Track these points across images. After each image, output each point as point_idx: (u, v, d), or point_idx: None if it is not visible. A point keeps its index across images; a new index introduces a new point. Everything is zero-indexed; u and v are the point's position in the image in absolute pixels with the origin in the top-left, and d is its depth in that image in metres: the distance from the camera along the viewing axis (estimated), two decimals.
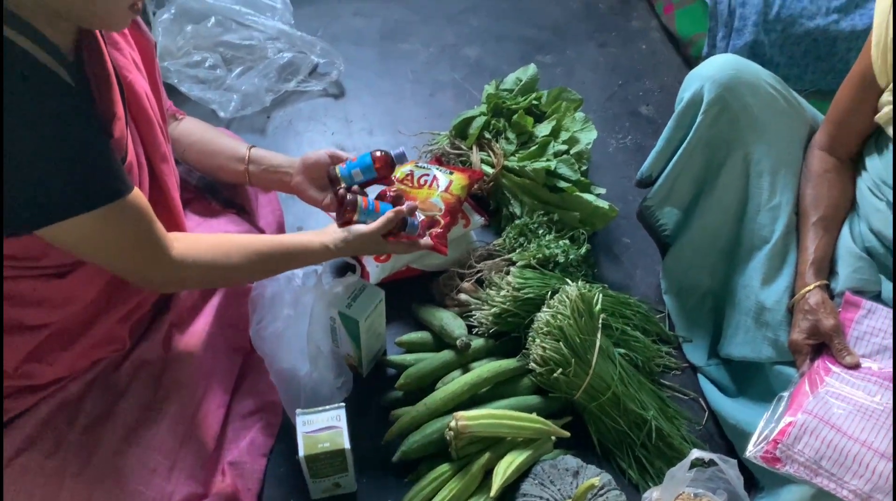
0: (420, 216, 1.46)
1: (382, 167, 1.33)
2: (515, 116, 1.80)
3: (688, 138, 1.40)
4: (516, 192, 1.72)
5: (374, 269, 1.54)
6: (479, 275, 1.57)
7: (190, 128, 1.35)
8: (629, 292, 1.67)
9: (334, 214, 1.32)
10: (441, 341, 1.48)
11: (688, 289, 1.58)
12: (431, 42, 2.37)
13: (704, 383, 1.52)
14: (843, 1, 1.87)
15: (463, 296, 1.54)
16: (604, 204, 1.67)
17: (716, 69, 1.36)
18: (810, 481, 1.09)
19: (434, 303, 1.57)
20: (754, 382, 1.43)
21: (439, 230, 1.53)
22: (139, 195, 0.98)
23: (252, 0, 2.19)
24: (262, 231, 1.45)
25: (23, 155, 0.82)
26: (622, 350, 1.48)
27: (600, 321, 1.41)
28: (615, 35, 2.46)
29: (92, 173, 0.90)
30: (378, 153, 1.33)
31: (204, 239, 1.13)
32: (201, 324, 1.29)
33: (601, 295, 1.46)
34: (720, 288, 1.51)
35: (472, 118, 1.85)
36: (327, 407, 1.20)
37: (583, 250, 1.61)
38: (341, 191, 1.30)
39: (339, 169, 1.33)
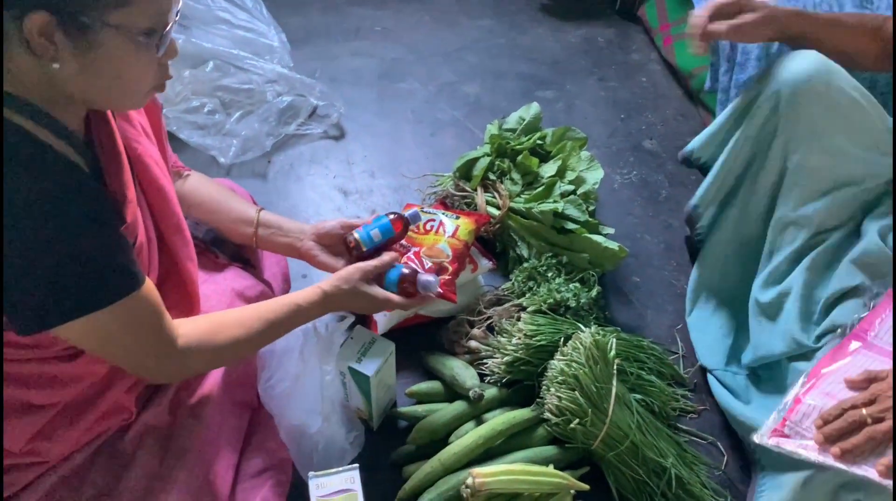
0: (428, 264, 1.45)
1: (399, 227, 1.35)
2: (520, 157, 1.80)
3: (740, 129, 1.47)
4: (523, 234, 1.70)
5: (382, 318, 1.52)
6: (489, 322, 1.55)
7: (196, 186, 1.32)
8: (641, 333, 1.65)
9: None
10: (453, 390, 1.46)
11: (713, 291, 1.65)
12: (430, 81, 2.37)
13: (715, 385, 1.53)
14: None
15: (473, 344, 1.52)
16: (613, 245, 1.66)
17: (793, 67, 1.37)
18: (821, 461, 1.09)
19: (444, 351, 1.55)
20: (770, 382, 1.45)
21: (448, 277, 1.51)
22: (150, 287, 0.95)
23: (250, 42, 2.20)
24: (268, 284, 1.43)
25: (33, 252, 0.79)
26: (638, 396, 1.46)
27: (615, 366, 1.39)
28: (615, 69, 2.47)
29: (105, 269, 0.87)
30: (393, 217, 1.35)
31: (203, 321, 1.10)
32: (209, 386, 1.26)
33: (615, 340, 1.45)
34: (738, 289, 1.57)
35: (475, 159, 1.85)
36: (340, 469, 1.17)
37: (594, 292, 1.59)
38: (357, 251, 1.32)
39: (357, 233, 1.33)
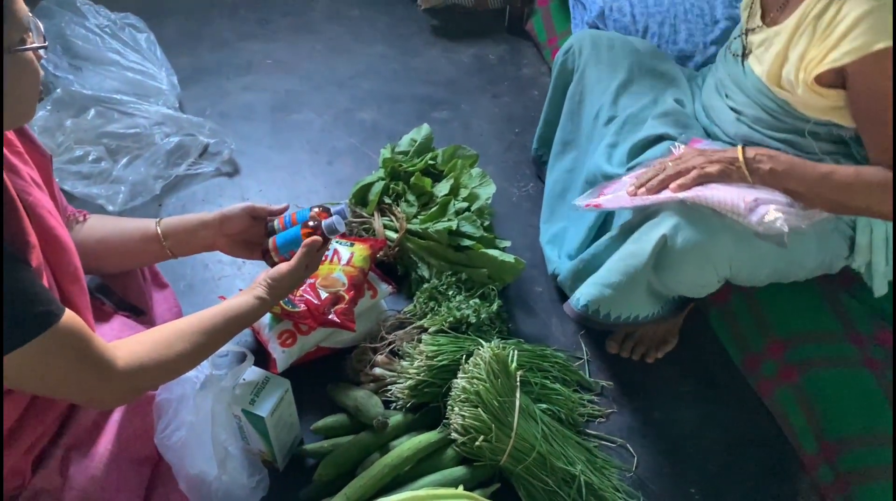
0: (324, 295, 1.42)
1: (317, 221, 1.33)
2: (413, 178, 1.79)
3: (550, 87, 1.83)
4: (422, 255, 1.70)
5: (282, 355, 1.48)
6: (391, 346, 1.53)
7: (92, 226, 1.29)
8: (546, 341, 1.65)
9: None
10: (359, 421, 1.42)
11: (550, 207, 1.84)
12: (325, 110, 2.36)
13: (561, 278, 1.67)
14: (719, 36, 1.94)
15: (377, 370, 1.50)
16: (510, 257, 1.66)
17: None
18: (629, 203, 1.35)
19: (349, 381, 1.52)
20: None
21: (344, 306, 1.49)
22: (72, 315, 0.94)
23: (136, 84, 2.15)
24: None
25: None
26: (544, 405, 1.46)
27: (518, 379, 1.38)
28: (507, 85, 2.51)
29: (22, 304, 0.86)
30: (317, 209, 1.34)
31: (143, 339, 1.08)
32: (103, 444, 1.20)
33: (516, 352, 1.45)
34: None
35: (370, 184, 1.84)
36: None
37: (494, 306, 1.59)
38: (267, 241, 1.33)
39: (276, 226, 1.34)
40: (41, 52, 0.90)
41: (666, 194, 1.30)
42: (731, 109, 1.46)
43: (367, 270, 1.57)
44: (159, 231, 1.31)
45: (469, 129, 2.31)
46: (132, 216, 1.88)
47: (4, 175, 0.99)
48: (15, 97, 0.88)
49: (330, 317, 1.48)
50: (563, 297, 1.71)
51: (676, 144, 1.44)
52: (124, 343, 1.05)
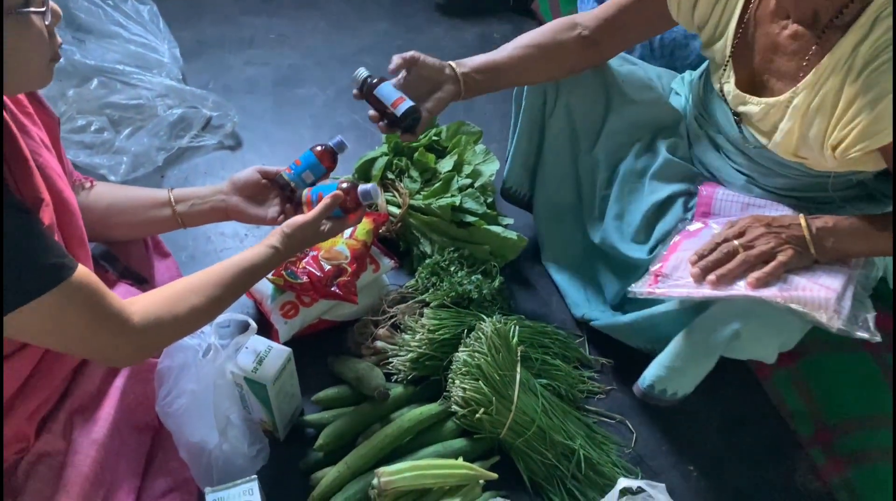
0: (327, 267, 1.42)
1: (327, 160, 1.36)
2: (416, 154, 1.79)
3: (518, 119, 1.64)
4: (425, 230, 1.70)
5: (284, 326, 1.48)
6: (393, 320, 1.54)
7: (100, 192, 1.29)
8: (547, 319, 1.66)
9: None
10: (360, 393, 1.43)
11: (555, 246, 1.73)
12: (328, 85, 2.35)
13: (597, 323, 1.59)
14: None
15: (379, 344, 1.50)
16: (512, 234, 1.66)
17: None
18: (696, 294, 1.18)
19: (350, 354, 1.52)
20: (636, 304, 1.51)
21: (347, 279, 1.50)
22: (85, 271, 0.94)
23: (138, 57, 2.14)
24: None
25: None
26: (544, 381, 1.47)
27: (519, 354, 1.39)
28: None
29: (35, 257, 0.87)
30: (319, 148, 1.35)
31: (157, 294, 1.08)
32: (106, 409, 1.21)
33: (517, 327, 1.45)
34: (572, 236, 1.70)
35: (373, 159, 1.83)
36: (238, 482, 1.13)
37: (496, 283, 1.60)
38: (302, 192, 1.32)
39: (286, 175, 1.34)
40: (47, 15, 0.89)
41: (743, 290, 1.15)
42: (739, 171, 1.40)
43: (369, 243, 1.57)
44: (171, 197, 1.31)
45: (472, 107, 2.30)
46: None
47: (15, 130, 0.99)
48: (20, 60, 0.88)
49: (332, 289, 1.48)
50: None
51: (689, 218, 1.39)
52: (138, 299, 1.05)
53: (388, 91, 1.31)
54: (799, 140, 1.21)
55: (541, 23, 2.63)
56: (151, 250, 1.41)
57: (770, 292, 1.12)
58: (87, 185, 1.29)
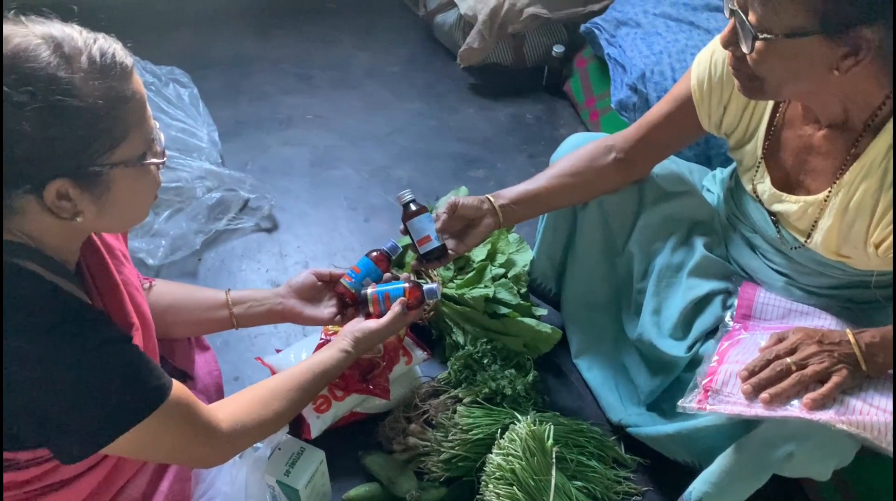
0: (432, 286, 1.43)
1: (383, 264, 1.44)
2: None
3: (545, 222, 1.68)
4: (458, 320, 1.69)
5: (316, 421, 1.48)
6: (425, 416, 1.52)
7: (160, 292, 1.32)
8: (581, 415, 1.63)
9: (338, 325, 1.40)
10: (391, 493, 1.41)
11: (586, 345, 1.71)
12: (362, 166, 2.39)
13: (634, 431, 1.54)
14: None
15: (411, 440, 1.48)
16: (546, 327, 1.65)
17: (564, 148, 1.58)
18: (748, 412, 1.13)
19: (382, 449, 1.51)
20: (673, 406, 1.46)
21: (378, 373, 1.50)
22: (179, 386, 0.99)
23: (179, 141, 2.19)
24: (203, 397, 1.39)
25: (62, 387, 0.85)
26: (579, 483, 1.43)
27: (554, 455, 1.36)
28: (544, 145, 2.52)
29: (137, 382, 0.92)
30: (375, 254, 1.44)
31: (240, 400, 1.13)
32: None
33: (552, 427, 1.43)
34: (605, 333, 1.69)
35: (406, 247, 1.84)
36: None
37: (529, 377, 1.58)
38: (367, 292, 1.38)
39: (347, 284, 1.40)
40: (162, 165, 0.96)
41: (798, 411, 1.11)
42: (777, 272, 1.38)
43: (402, 336, 1.57)
44: (229, 299, 1.35)
45: (505, 187, 2.31)
46: (171, 271, 1.92)
47: (106, 255, 1.04)
48: (134, 203, 0.94)
49: (365, 385, 1.48)
50: None
51: (728, 320, 1.38)
52: (223, 405, 1.10)
53: (421, 226, 1.39)
54: (840, 238, 1.19)
55: (573, 104, 2.68)
56: (193, 345, 1.43)
57: (828, 416, 1.08)
58: (147, 285, 1.31)
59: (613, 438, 1.59)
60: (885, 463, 1.42)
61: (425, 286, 1.36)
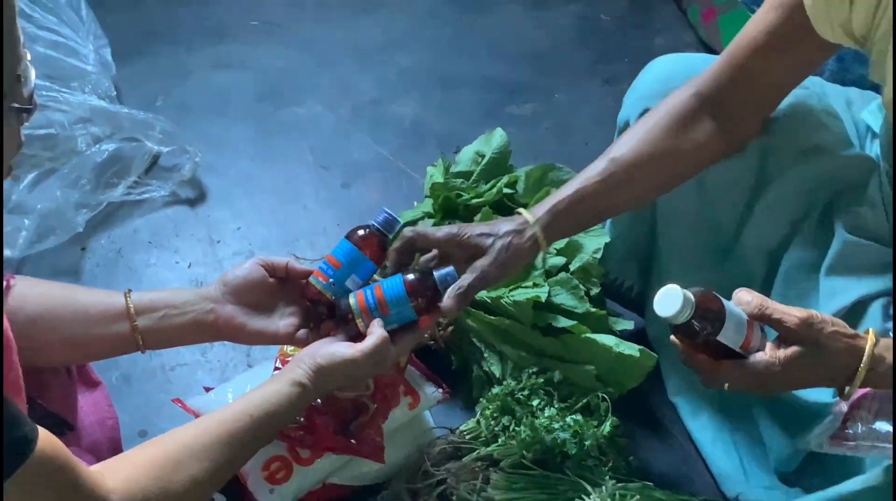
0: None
1: (374, 251, 1.42)
2: (479, 216, 1.83)
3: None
4: (491, 339, 1.73)
5: (269, 497, 1.52)
6: (442, 488, 1.56)
7: (24, 295, 1.34)
8: (686, 482, 1.68)
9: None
10: None
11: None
12: (339, 101, 2.43)
13: None
14: None
15: None
16: (633, 349, 1.68)
17: (646, 82, 1.66)
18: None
19: None
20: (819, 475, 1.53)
21: (366, 421, 1.53)
22: (47, 435, 1.00)
23: (50, 63, 2.23)
24: (91, 458, 1.43)
25: None
26: None
27: None
28: (628, 63, 2.54)
29: None
30: (360, 234, 1.43)
31: (140, 460, 1.15)
32: None
33: None
34: None
35: (412, 224, 1.87)
36: None
37: (606, 427, 1.61)
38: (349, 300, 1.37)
39: (320, 284, 1.40)
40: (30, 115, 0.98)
41: None
42: None
43: (404, 365, 1.60)
44: (130, 305, 1.37)
45: (567, 134, 2.36)
46: (40, 266, 1.97)
47: None
48: None
49: (346, 438, 1.52)
50: None
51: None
52: (115, 468, 1.12)
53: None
54: None
55: (682, 11, 2.70)
56: (74, 380, 1.46)
57: None
58: (2, 285, 1.35)
59: None
60: None
61: (437, 273, 1.35)
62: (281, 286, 1.45)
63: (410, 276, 1.35)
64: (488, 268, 1.39)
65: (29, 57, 0.96)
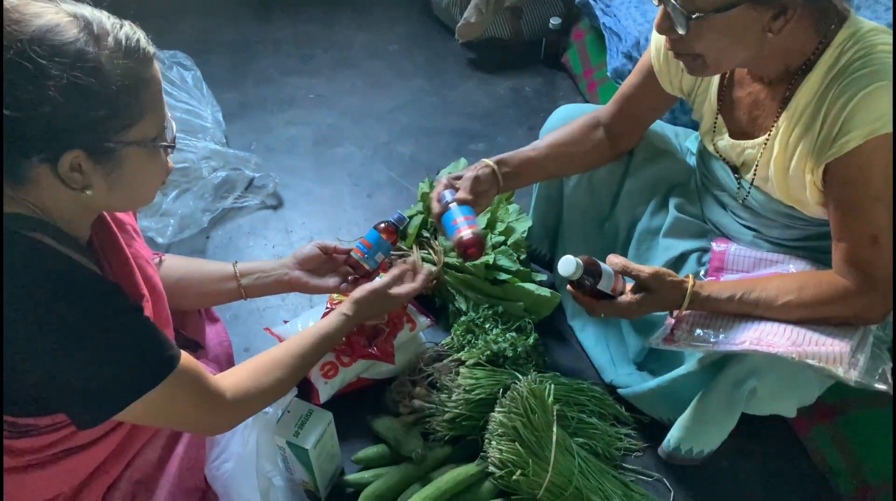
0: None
1: (391, 236, 1.48)
2: None
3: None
4: (460, 288, 1.72)
5: (324, 386, 1.51)
6: (430, 379, 1.55)
7: (171, 267, 1.36)
8: (582, 375, 1.66)
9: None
10: (399, 453, 1.45)
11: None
12: (365, 143, 2.41)
13: (624, 392, 1.59)
14: None
15: (417, 403, 1.52)
16: (545, 292, 1.68)
17: (553, 120, 1.66)
18: (719, 348, 1.23)
19: (389, 413, 1.54)
20: (663, 365, 1.54)
21: (383, 340, 1.53)
22: (187, 357, 1.02)
23: (184, 122, 2.22)
24: (215, 366, 1.43)
25: (77, 355, 0.88)
26: (581, 439, 1.47)
27: (555, 413, 1.39)
28: (543, 117, 2.43)
29: (147, 352, 0.95)
30: (382, 226, 1.48)
31: (244, 369, 1.16)
32: (166, 478, 1.24)
33: (552, 386, 1.46)
34: None
35: (409, 218, 1.87)
36: None
37: (530, 340, 1.61)
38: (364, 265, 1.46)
39: (356, 256, 1.46)
40: (172, 150, 0.99)
41: (756, 345, 1.18)
42: (745, 227, 1.42)
43: (406, 305, 1.60)
44: (237, 271, 1.39)
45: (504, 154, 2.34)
46: (180, 249, 1.96)
47: (116, 230, 1.08)
48: (141, 184, 0.97)
49: (370, 350, 1.51)
50: None
51: (702, 274, 1.42)
52: (228, 375, 1.13)
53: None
54: (786, 176, 1.22)
55: (571, 76, 2.69)
56: (204, 317, 1.46)
57: (783, 347, 1.15)
58: (157, 260, 1.35)
59: (613, 396, 1.62)
60: (880, 417, 1.45)
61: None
62: (329, 259, 1.46)
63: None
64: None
65: (169, 115, 0.97)
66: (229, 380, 1.11)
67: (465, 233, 1.35)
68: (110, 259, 1.06)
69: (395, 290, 1.39)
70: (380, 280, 1.36)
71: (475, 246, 1.35)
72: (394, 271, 1.39)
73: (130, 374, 0.93)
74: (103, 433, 1.08)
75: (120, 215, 1.12)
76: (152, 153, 0.95)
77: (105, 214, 1.07)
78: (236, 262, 1.41)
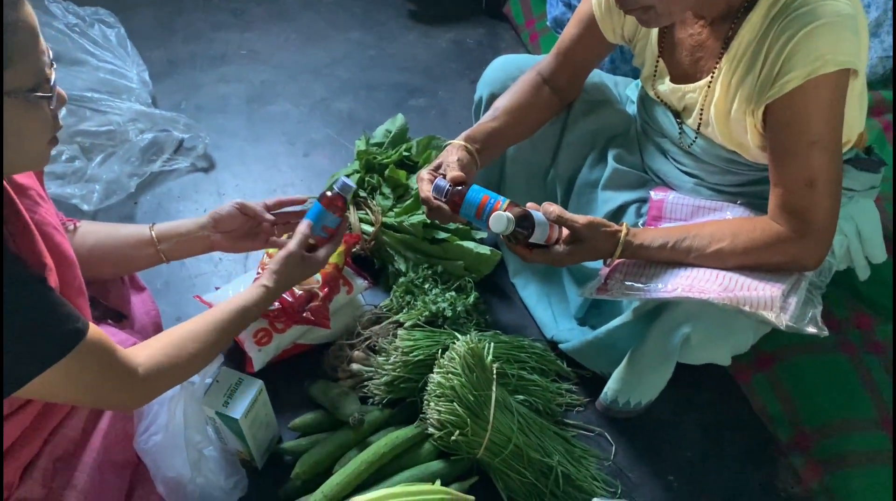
0: (298, 292, 1.42)
1: (338, 207, 1.33)
2: (388, 171, 1.79)
3: None
4: (398, 248, 1.70)
5: (258, 354, 1.49)
6: (368, 342, 1.54)
7: (84, 233, 1.30)
8: (524, 332, 1.66)
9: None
10: (337, 418, 1.43)
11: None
12: (301, 100, 2.35)
13: (565, 347, 1.58)
14: None
15: (355, 367, 1.50)
16: (485, 249, 1.67)
17: (490, 73, 1.65)
18: (648, 295, 1.23)
19: (326, 378, 1.53)
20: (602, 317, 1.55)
21: (318, 304, 1.50)
22: (95, 330, 0.98)
23: (107, 83, 2.13)
24: (140, 337, 1.39)
25: None
26: (521, 397, 1.47)
27: (494, 372, 1.39)
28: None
29: (47, 326, 0.91)
30: (328, 196, 1.33)
31: (158, 343, 1.12)
32: (89, 453, 1.21)
33: (492, 344, 1.46)
34: None
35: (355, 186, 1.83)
36: None
37: (471, 299, 1.60)
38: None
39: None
40: (53, 100, 0.91)
41: (687, 292, 1.19)
42: (686, 173, 1.42)
43: (341, 266, 1.57)
44: (154, 235, 1.33)
45: (447, 116, 2.31)
46: (108, 215, 1.89)
47: (15, 196, 1.01)
48: (23, 141, 0.90)
49: (304, 315, 1.49)
50: None
51: (640, 224, 1.43)
52: (140, 349, 1.09)
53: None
54: (727, 118, 1.23)
55: (513, 26, 2.65)
56: (127, 285, 1.42)
57: (714, 293, 1.16)
58: (72, 227, 1.29)
59: (555, 352, 1.62)
60: (818, 363, 1.48)
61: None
62: (251, 221, 1.40)
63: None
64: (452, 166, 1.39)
65: (52, 64, 0.90)
66: (143, 354, 1.07)
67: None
68: (9, 228, 1.00)
69: (313, 252, 1.32)
70: (290, 245, 1.28)
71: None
72: (299, 234, 1.29)
73: (31, 349, 0.89)
74: (15, 409, 1.04)
75: (21, 179, 1.06)
76: (31, 106, 0.88)
77: (3, 180, 1.02)
78: (153, 225, 1.35)
